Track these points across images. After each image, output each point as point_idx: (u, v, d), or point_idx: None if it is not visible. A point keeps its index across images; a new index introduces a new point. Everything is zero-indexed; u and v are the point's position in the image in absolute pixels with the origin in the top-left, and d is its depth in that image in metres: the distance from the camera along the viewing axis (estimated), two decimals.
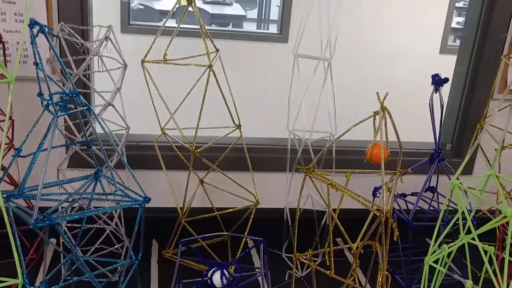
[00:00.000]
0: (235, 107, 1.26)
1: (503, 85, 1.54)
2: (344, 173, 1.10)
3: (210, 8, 5.40)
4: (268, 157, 1.47)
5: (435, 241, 1.08)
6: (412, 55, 3.32)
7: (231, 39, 3.70)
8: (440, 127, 1.39)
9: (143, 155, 1.42)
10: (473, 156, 1.62)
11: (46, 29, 0.88)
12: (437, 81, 1.35)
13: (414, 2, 3.36)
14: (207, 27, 1.28)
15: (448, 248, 1.05)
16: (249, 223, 1.33)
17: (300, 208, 1.18)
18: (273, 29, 3.92)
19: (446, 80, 1.35)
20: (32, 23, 0.87)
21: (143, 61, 1.24)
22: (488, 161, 1.57)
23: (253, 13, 8.00)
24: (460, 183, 1.10)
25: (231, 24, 5.74)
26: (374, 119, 1.01)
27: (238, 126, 1.28)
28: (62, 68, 0.94)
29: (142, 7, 4.82)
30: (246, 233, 1.34)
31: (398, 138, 1.05)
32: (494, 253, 1.07)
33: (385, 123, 1.01)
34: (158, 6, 5.25)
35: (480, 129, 1.53)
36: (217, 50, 1.27)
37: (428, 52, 3.35)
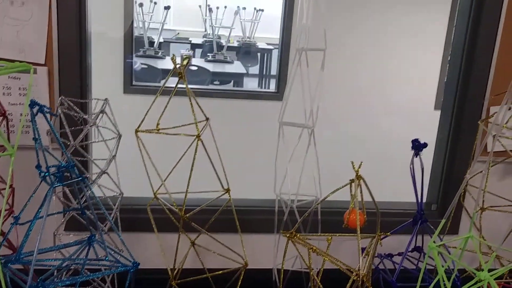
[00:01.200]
0: (224, 172, 1.33)
1: (483, 147, 1.61)
2: (325, 237, 1.15)
3: (211, 67, 5.57)
4: (257, 219, 1.52)
5: None
6: (408, 111, 3.42)
7: (230, 98, 3.82)
8: (421, 190, 1.45)
9: (137, 218, 1.48)
10: (458, 216, 1.67)
11: (45, 109, 0.97)
12: (416, 146, 1.42)
13: (409, 59, 3.49)
14: (208, 86, 1.37)
15: None
16: (238, 285, 1.37)
17: (286, 270, 1.22)
18: (274, 84, 4.09)
19: (425, 145, 1.42)
20: (32, 103, 0.95)
21: (136, 131, 1.32)
22: (474, 224, 1.62)
23: (255, 69, 8.24)
24: (439, 245, 1.15)
25: (232, 81, 5.91)
26: (350, 186, 1.07)
27: (227, 190, 1.35)
28: (58, 142, 1.02)
29: (146, 66, 5.00)
30: None
31: (375, 204, 1.11)
32: None
33: (361, 190, 1.07)
34: (161, 66, 5.44)
35: (463, 190, 1.59)
36: (207, 119, 1.35)
37: (423, 108, 3.45)
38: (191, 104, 1.28)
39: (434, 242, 1.14)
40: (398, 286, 1.37)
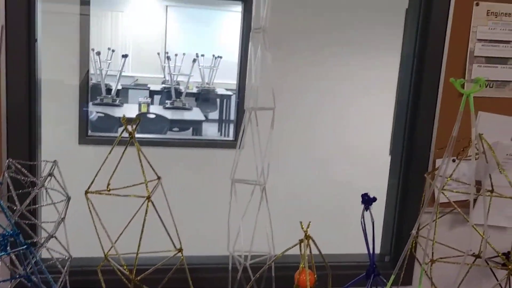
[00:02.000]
0: (176, 231, 1.32)
1: (431, 199, 1.66)
2: None
3: (170, 114, 5.59)
4: (210, 277, 1.51)
5: None
6: (364, 159, 3.51)
7: (188, 147, 3.83)
8: (373, 243, 1.47)
9: (88, 280, 1.44)
10: (411, 267, 1.70)
11: None
12: (366, 201, 1.45)
13: (364, 108, 3.61)
14: (165, 136, 1.37)
15: None
16: None
17: None
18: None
19: (375, 199, 1.45)
20: None
21: (86, 192, 1.30)
22: (426, 273, 1.64)
23: (214, 114, 8.31)
24: None
25: (191, 128, 5.92)
26: (300, 246, 1.08)
27: (180, 250, 1.33)
28: (2, 209, 1.00)
29: (102, 115, 4.96)
30: None
31: (326, 264, 1.12)
32: None
33: (310, 250, 1.08)
34: (119, 114, 5.40)
35: (413, 241, 1.62)
36: (159, 178, 1.35)
37: (379, 154, 3.55)
38: (141, 165, 1.27)
39: None
40: None
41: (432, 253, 1.55)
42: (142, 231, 1.23)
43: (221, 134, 8.13)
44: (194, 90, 8.16)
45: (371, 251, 1.48)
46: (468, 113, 1.62)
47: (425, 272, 1.63)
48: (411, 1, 1.64)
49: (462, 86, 1.12)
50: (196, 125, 5.63)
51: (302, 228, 1.07)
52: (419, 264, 1.65)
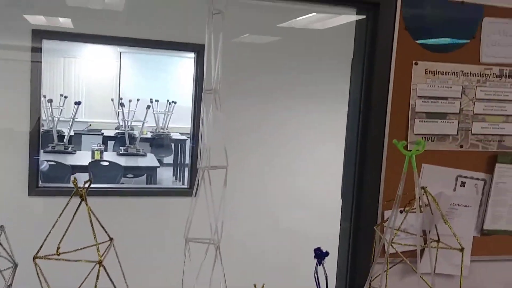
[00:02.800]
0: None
1: (382, 250, 1.70)
2: None
3: (123, 161, 5.52)
4: None
5: None
6: (317, 203, 3.56)
7: (142, 196, 3.78)
8: None
9: None
10: None
11: None
12: (319, 255, 1.48)
13: (316, 155, 3.69)
14: (117, 185, 1.35)
15: None
16: None
17: None
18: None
19: (327, 254, 1.49)
20: None
21: (34, 257, 1.27)
22: None
23: (169, 159, 8.25)
24: None
25: (145, 174, 5.85)
26: None
27: None
28: None
29: (54, 163, 4.85)
30: None
31: None
32: None
33: None
34: (71, 161, 5.30)
35: None
36: (111, 240, 1.33)
37: (331, 199, 3.61)
38: (93, 228, 1.26)
39: None
40: None
41: None
42: None
43: (176, 179, 8.07)
44: (149, 135, 8.11)
45: None
46: (411, 167, 1.70)
47: None
48: (355, 55, 1.73)
49: (405, 147, 1.18)
50: (150, 172, 5.57)
51: None
52: None
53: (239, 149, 3.65)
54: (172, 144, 8.10)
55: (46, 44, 3.68)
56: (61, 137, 6.43)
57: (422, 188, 1.59)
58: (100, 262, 1.22)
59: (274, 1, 1.50)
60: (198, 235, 1.43)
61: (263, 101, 3.69)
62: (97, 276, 1.22)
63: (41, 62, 3.58)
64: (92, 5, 4.02)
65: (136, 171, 5.58)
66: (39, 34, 3.36)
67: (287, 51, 3.82)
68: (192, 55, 4.08)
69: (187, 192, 3.86)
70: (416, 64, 1.66)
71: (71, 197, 1.27)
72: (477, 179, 1.77)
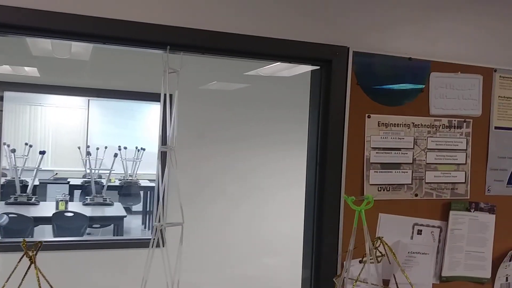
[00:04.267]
0: None
1: None
2: None
3: (89, 211, 5.41)
4: None
5: None
6: (282, 249, 3.54)
7: (107, 248, 3.70)
8: None
9: None
10: None
11: None
12: None
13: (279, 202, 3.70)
14: (81, 238, 1.32)
15: None
16: None
17: None
18: None
19: None
20: None
21: None
22: None
23: (138, 207, 8.13)
24: None
25: (112, 224, 5.74)
26: None
27: None
28: None
29: (15, 215, 4.72)
30: None
31: None
32: None
33: None
34: (34, 213, 5.17)
35: None
36: None
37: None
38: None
39: None
40: None
41: None
42: None
43: (145, 227, 7.92)
44: (117, 183, 8.00)
45: None
46: (368, 216, 1.72)
47: None
48: (311, 108, 1.77)
49: (356, 202, 1.20)
50: (117, 221, 5.46)
51: None
52: None
53: (202, 200, 3.66)
54: (141, 192, 8.00)
55: (10, 93, 3.65)
56: (24, 187, 6.28)
57: (378, 238, 1.62)
58: None
59: (227, 58, 1.54)
60: None
61: (228, 149, 3.72)
62: None
63: (1, 111, 3.54)
64: (58, 54, 4.03)
65: (103, 221, 5.47)
66: (1, 86, 3.34)
67: (254, 99, 3.89)
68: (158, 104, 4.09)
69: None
70: (369, 117, 1.71)
71: (20, 260, 1.25)
72: (433, 226, 1.80)
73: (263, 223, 3.66)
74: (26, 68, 4.02)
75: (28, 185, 6.44)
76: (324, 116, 1.70)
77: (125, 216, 5.46)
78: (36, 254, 1.25)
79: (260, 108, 3.77)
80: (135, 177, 8.26)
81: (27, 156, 7.31)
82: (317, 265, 1.70)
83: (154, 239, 1.37)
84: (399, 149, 1.75)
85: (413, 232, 1.78)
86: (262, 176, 3.74)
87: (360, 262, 1.71)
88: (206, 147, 3.68)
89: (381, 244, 1.62)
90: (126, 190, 7.91)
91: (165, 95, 1.38)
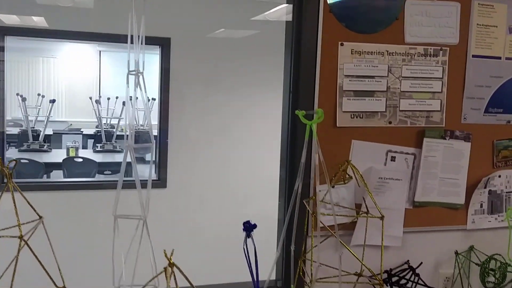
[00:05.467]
0: (59, 269, 1.36)
1: (315, 223, 1.77)
2: None
3: (100, 157, 5.57)
4: None
5: None
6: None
7: (108, 189, 3.83)
8: (256, 268, 1.56)
9: None
10: None
11: None
12: (247, 228, 1.55)
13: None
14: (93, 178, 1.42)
15: None
16: None
17: None
18: None
19: (255, 226, 1.56)
20: None
21: None
22: None
23: (149, 156, 8.27)
24: None
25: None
26: (166, 274, 1.15)
27: None
28: None
29: (27, 161, 4.88)
30: None
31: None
32: None
33: (175, 277, 1.15)
34: (46, 159, 5.33)
35: (301, 265, 1.72)
36: (40, 218, 1.39)
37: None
38: (15, 206, 1.32)
39: None
40: None
41: (311, 274, 1.65)
42: (14, 271, 1.26)
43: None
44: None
45: (254, 277, 1.57)
46: (344, 143, 1.77)
47: None
48: (286, 41, 1.79)
49: (306, 117, 1.24)
50: (127, 167, 5.59)
51: (166, 256, 1.14)
52: (307, 285, 1.75)
53: (206, 145, 3.75)
54: (154, 141, 8.13)
55: (21, 44, 3.71)
56: (37, 136, 6.45)
57: (346, 161, 1.67)
58: (21, 237, 1.28)
59: None
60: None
61: (234, 96, 3.77)
62: (18, 250, 1.28)
63: (4, 61, 3.61)
64: (61, 2, 4.06)
65: (112, 167, 5.61)
66: (1, 31, 3.40)
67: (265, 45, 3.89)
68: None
69: (157, 184, 3.92)
70: (342, 45, 1.73)
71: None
72: (407, 153, 1.84)
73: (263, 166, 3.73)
74: (34, 18, 4.07)
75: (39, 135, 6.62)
76: (297, 45, 1.72)
77: (141, 162, 5.60)
78: (12, 171, 1.33)
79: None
80: (147, 127, 8.36)
81: (39, 106, 7.46)
82: (290, 191, 1.76)
83: (125, 158, 1.45)
84: (372, 77, 1.77)
85: (386, 159, 1.83)
86: (264, 121, 3.79)
87: (333, 187, 1.77)
88: (214, 95, 3.73)
89: (351, 168, 1.68)
90: (138, 139, 8.04)
91: (131, 20, 1.41)
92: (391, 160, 1.83)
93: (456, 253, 1.93)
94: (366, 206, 1.74)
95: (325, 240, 1.77)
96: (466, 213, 1.94)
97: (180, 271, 1.16)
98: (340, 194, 1.78)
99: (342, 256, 1.81)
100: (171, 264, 1.15)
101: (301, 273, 1.75)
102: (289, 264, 1.79)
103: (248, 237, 1.55)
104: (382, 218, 1.62)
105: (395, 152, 1.83)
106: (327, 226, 1.71)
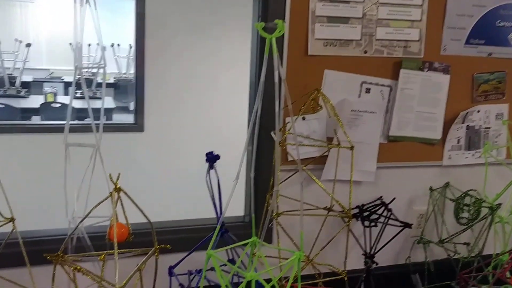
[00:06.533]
0: (7, 200, 1.28)
1: (285, 157, 1.70)
2: (98, 255, 1.13)
3: (78, 104, 5.43)
4: (50, 249, 1.46)
5: None
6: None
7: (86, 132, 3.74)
8: (220, 201, 1.49)
9: None
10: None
11: None
12: (210, 159, 1.47)
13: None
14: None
15: None
16: None
17: None
18: None
19: (218, 157, 1.47)
20: None
21: None
22: (280, 224, 1.69)
23: (132, 105, 8.13)
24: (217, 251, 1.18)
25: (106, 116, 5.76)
26: (112, 199, 1.08)
27: (11, 220, 1.29)
28: None
29: (2, 106, 4.75)
30: None
31: (146, 218, 1.12)
32: None
33: (122, 202, 1.08)
34: (23, 105, 5.20)
35: (269, 199, 1.66)
36: None
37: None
38: None
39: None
40: None
41: (277, 206, 1.59)
42: None
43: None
44: (112, 80, 7.96)
45: (218, 209, 1.50)
46: (316, 72, 1.67)
47: (278, 224, 1.67)
48: None
49: (266, 30, 1.13)
50: (105, 113, 5.49)
51: (111, 180, 1.06)
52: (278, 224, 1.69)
53: (184, 89, 3.64)
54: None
55: None
56: (15, 82, 6.26)
57: (316, 89, 1.58)
58: None
59: None
60: None
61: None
62: None
63: None
64: None
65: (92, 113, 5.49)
66: None
67: None
68: None
69: (134, 128, 3.84)
70: None
71: None
72: (383, 85, 1.75)
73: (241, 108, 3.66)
74: None
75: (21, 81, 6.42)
76: None
77: (114, 108, 5.49)
78: None
79: None
80: (129, 74, 8.17)
81: (17, 51, 7.21)
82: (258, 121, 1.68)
83: (75, 79, 1.34)
84: (347, 1, 1.65)
85: (361, 91, 1.74)
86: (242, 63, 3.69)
87: (303, 119, 1.69)
88: (189, 39, 3.59)
89: (321, 97, 1.59)
90: (122, 88, 7.88)
91: None
92: (366, 92, 1.74)
93: (431, 189, 1.88)
94: (337, 139, 1.66)
95: (295, 175, 1.70)
96: (443, 149, 1.88)
97: (128, 196, 1.09)
98: (311, 126, 1.70)
99: (312, 191, 1.75)
100: (117, 189, 1.08)
101: (268, 208, 1.68)
102: (258, 199, 1.72)
103: (211, 168, 1.47)
104: (351, 148, 1.55)
105: (370, 83, 1.74)
106: (301, 159, 1.64)
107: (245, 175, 1.79)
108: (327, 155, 1.72)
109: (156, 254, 1.17)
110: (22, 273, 1.33)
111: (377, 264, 1.70)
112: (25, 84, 6.33)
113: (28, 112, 5.07)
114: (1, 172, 1.29)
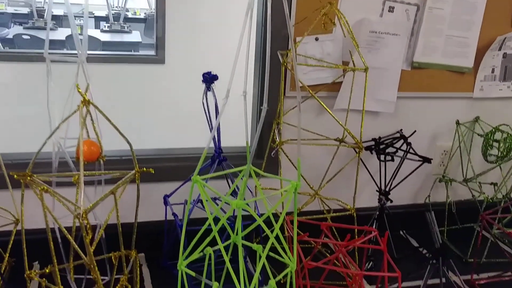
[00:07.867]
0: None
1: (293, 83, 1.54)
2: (71, 176, 1.03)
3: (105, 37, 5.35)
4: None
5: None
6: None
7: (108, 63, 3.67)
8: (217, 126, 1.36)
9: None
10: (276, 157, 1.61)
11: None
12: (207, 79, 1.33)
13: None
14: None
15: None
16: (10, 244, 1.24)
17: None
18: None
19: (216, 77, 1.33)
20: None
21: None
22: (284, 152, 1.55)
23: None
24: (204, 178, 1.07)
25: (132, 50, 5.68)
26: (80, 112, 0.96)
27: None
28: None
29: (28, 37, 4.70)
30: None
31: (120, 133, 1.01)
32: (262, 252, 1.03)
33: (91, 117, 0.96)
34: (51, 36, 5.13)
35: (275, 128, 1.52)
36: None
37: None
38: None
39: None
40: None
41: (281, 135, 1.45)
42: None
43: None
44: (142, 16, 7.82)
45: (215, 135, 1.38)
46: None
47: (283, 152, 1.55)
48: None
49: None
50: (132, 47, 5.39)
51: (79, 92, 0.95)
52: (283, 152, 1.57)
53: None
54: None
55: None
56: (42, 15, 6.21)
57: (329, 3, 1.39)
58: None
59: None
60: None
61: None
62: None
63: None
64: None
65: (117, 46, 5.40)
66: None
67: None
68: None
69: (155, 60, 3.76)
70: None
71: None
72: (409, 3, 1.55)
73: None
74: None
75: (53, 14, 6.35)
76: None
77: (140, 42, 5.38)
78: None
79: None
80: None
81: None
82: (265, 42, 1.52)
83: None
84: None
85: (383, 9, 1.54)
86: None
87: (316, 39, 1.52)
88: None
89: (335, 13, 1.41)
90: (151, 23, 7.72)
91: None
92: (389, 11, 1.55)
93: (457, 123, 1.70)
94: (353, 62, 1.49)
95: (305, 102, 1.55)
96: (474, 79, 1.68)
97: (97, 108, 0.97)
98: (324, 48, 1.53)
99: (324, 121, 1.60)
100: (86, 101, 0.96)
101: (275, 137, 1.55)
102: (263, 128, 1.59)
103: (208, 90, 1.34)
104: (366, 70, 1.38)
105: (394, 1, 1.54)
106: (311, 86, 1.49)
107: (251, 104, 1.65)
108: (341, 82, 1.55)
109: (136, 177, 1.07)
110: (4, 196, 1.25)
111: (391, 201, 1.57)
112: (55, 17, 6.27)
113: (54, 44, 5.03)
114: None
